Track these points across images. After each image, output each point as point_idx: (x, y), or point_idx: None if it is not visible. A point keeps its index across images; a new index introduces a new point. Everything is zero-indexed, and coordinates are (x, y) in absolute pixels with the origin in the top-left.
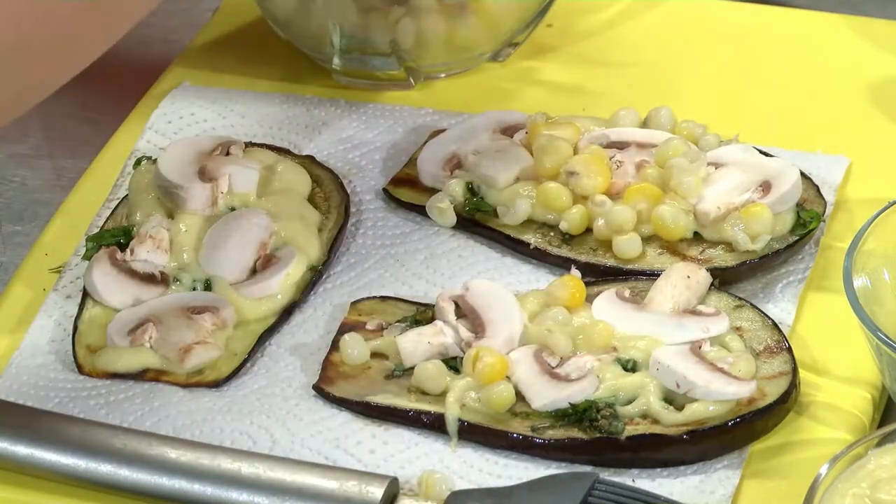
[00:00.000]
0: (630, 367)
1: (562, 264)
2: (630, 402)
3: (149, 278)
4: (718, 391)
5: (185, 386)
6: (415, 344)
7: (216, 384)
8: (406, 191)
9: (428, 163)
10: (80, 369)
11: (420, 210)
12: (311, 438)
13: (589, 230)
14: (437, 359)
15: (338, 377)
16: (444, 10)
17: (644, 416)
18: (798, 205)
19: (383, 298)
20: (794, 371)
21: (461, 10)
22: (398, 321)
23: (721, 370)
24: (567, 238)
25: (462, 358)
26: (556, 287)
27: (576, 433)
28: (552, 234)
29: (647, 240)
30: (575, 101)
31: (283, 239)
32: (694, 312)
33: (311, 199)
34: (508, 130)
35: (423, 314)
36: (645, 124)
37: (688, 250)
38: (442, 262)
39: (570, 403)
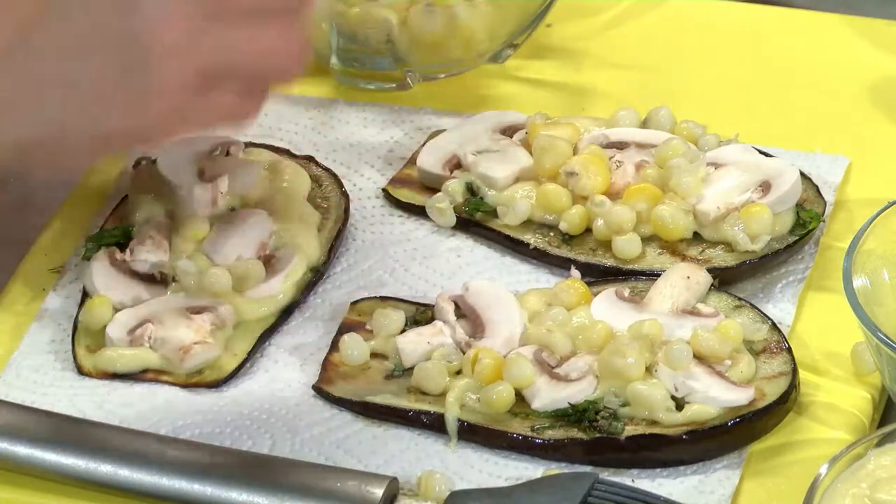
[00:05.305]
0: None
1: (561, 264)
2: (629, 402)
3: (148, 278)
4: (716, 398)
5: (185, 386)
6: (414, 344)
7: (216, 384)
8: (406, 191)
9: (428, 163)
10: (80, 369)
11: (420, 210)
12: (311, 438)
13: (589, 230)
14: (437, 359)
15: (337, 377)
16: (441, 13)
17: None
18: (798, 205)
19: (383, 298)
20: (794, 371)
21: (460, 12)
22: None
23: (720, 374)
24: (567, 238)
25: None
26: (561, 290)
27: (575, 433)
28: (552, 234)
29: (647, 240)
30: (575, 101)
31: (283, 239)
32: (693, 312)
33: (311, 199)
34: (508, 130)
35: (422, 314)
36: (644, 124)
37: (687, 250)
38: (442, 262)
39: (569, 403)
